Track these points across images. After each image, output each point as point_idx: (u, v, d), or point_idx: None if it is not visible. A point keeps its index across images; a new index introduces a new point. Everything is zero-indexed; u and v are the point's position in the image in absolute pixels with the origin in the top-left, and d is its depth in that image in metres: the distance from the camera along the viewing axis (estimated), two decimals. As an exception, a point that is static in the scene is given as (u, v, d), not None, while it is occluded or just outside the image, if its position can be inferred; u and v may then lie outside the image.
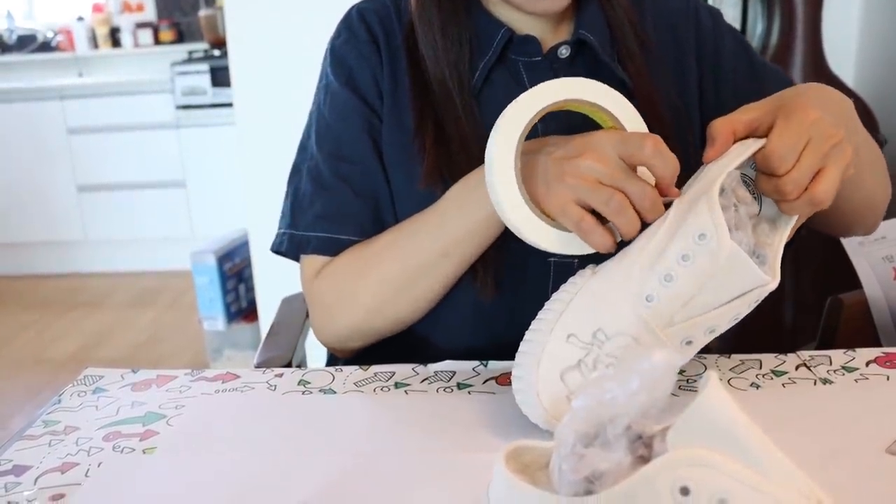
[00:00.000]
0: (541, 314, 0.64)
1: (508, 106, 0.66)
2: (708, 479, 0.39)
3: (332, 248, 0.81)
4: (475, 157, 0.75)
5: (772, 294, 0.61)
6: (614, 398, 0.42)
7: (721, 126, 0.63)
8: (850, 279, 1.03)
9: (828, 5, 2.17)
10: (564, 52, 0.80)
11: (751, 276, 0.58)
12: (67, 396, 0.74)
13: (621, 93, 0.82)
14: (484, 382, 0.71)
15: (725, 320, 0.61)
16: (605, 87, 0.68)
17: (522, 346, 0.63)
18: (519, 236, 0.67)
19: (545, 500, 0.45)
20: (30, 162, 3.78)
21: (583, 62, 0.81)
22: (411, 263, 0.76)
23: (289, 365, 0.98)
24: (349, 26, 0.87)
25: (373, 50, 0.84)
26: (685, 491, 0.40)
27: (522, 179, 0.65)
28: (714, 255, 0.58)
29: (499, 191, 0.65)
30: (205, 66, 3.60)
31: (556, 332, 0.62)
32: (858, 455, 0.58)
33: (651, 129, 0.82)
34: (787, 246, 0.63)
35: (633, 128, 0.68)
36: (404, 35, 0.84)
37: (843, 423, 0.62)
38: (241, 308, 2.68)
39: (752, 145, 0.62)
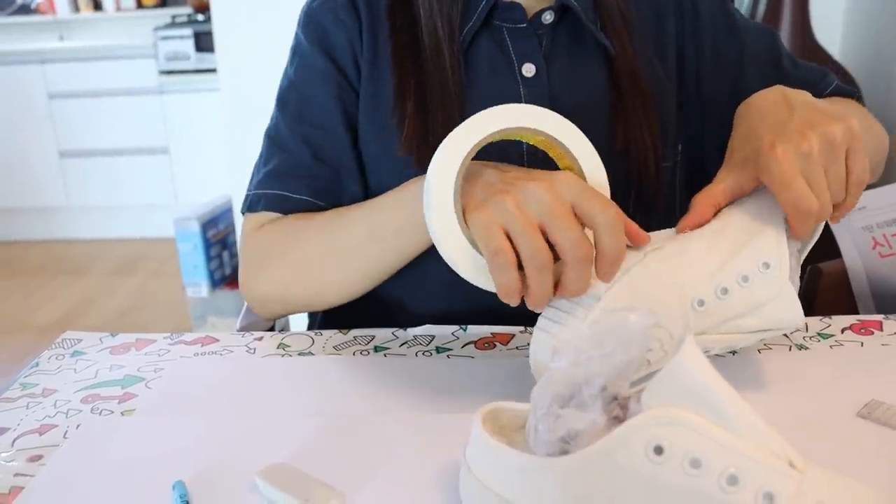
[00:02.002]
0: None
1: (460, 125, 0.59)
2: (681, 437, 0.40)
3: (282, 206, 0.79)
4: (455, 122, 0.75)
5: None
6: (590, 359, 0.42)
7: (702, 200, 0.62)
8: (830, 248, 1.03)
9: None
10: (548, 17, 0.79)
11: (792, 315, 0.59)
12: (45, 360, 0.73)
13: (603, 60, 0.82)
14: (463, 346, 0.71)
15: (745, 345, 0.61)
16: (561, 118, 0.61)
17: (559, 303, 0.59)
18: (437, 247, 0.59)
19: (521, 460, 0.45)
20: (10, 127, 3.73)
21: (566, 29, 0.80)
22: (338, 242, 0.74)
23: (271, 330, 0.97)
24: None
25: (352, 15, 0.82)
26: (659, 450, 0.40)
27: (465, 191, 0.59)
28: (770, 286, 0.58)
29: (432, 199, 0.58)
30: (188, 31, 3.55)
31: (591, 310, 0.58)
32: (830, 418, 0.59)
33: (632, 100, 0.81)
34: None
35: (588, 165, 0.61)
36: (389, 1, 0.82)
37: (816, 388, 0.62)
38: (225, 275, 2.67)
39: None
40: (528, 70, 0.79)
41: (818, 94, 0.88)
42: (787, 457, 0.40)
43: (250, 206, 0.81)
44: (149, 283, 3.30)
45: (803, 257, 0.65)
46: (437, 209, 0.57)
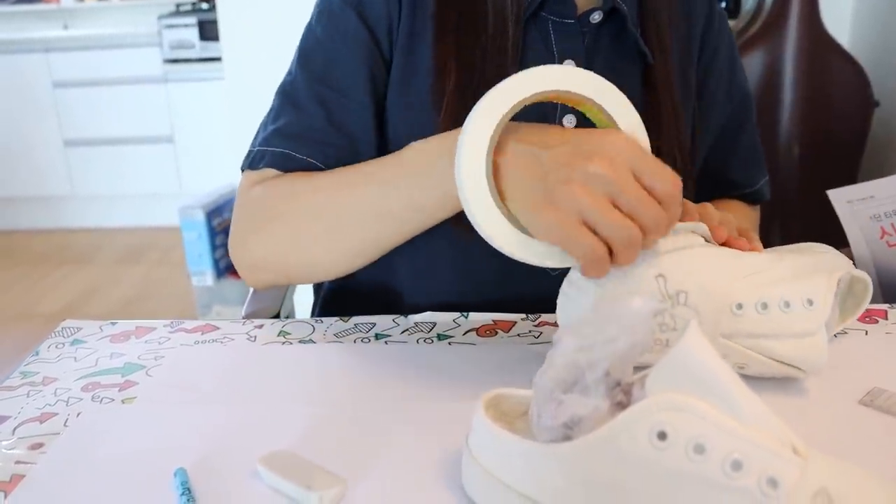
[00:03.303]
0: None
1: (499, 83, 0.57)
2: (685, 423, 0.39)
3: (285, 164, 0.74)
4: None
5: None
6: (593, 344, 0.42)
7: None
8: (838, 237, 1.02)
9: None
10: (596, 17, 0.76)
11: (816, 359, 0.59)
12: (45, 348, 0.73)
13: (641, 67, 0.79)
14: (464, 334, 0.71)
15: (758, 371, 0.61)
16: (610, 84, 0.59)
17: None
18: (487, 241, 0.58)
19: (524, 446, 0.44)
20: (15, 116, 3.73)
21: (609, 30, 0.78)
22: (342, 214, 0.69)
23: (276, 317, 0.97)
24: None
25: None
26: (663, 436, 0.39)
27: (512, 177, 0.57)
28: (809, 322, 0.59)
29: (466, 185, 0.56)
30: (193, 20, 3.54)
31: (650, 266, 0.58)
32: (833, 406, 0.59)
33: (664, 110, 0.79)
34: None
35: (625, 121, 0.60)
36: None
37: (819, 376, 0.62)
38: (230, 264, 2.67)
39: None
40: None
41: (747, 185, 0.93)
42: (791, 443, 0.39)
43: (252, 162, 0.77)
44: (153, 273, 3.30)
45: (840, 324, 0.68)
46: (476, 204, 0.56)
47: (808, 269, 0.62)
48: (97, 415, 0.61)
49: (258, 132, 0.78)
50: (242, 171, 0.78)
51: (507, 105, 0.56)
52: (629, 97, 0.77)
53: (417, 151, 0.67)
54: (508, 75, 0.68)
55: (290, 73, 0.78)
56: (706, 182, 0.89)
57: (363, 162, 0.72)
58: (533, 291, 0.75)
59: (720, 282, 0.59)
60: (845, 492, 0.39)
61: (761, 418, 0.40)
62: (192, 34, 3.54)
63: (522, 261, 0.57)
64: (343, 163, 0.74)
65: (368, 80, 0.75)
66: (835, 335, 0.69)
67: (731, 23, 2.33)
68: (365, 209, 0.68)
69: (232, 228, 0.76)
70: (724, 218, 0.67)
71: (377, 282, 0.83)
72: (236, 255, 0.76)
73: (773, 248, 0.68)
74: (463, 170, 0.56)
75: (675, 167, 0.80)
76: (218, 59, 3.26)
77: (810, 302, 0.59)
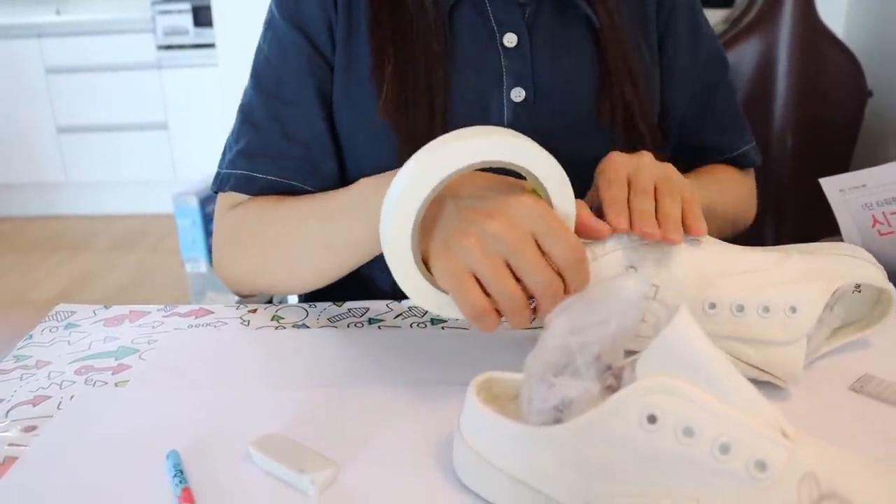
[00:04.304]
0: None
1: (432, 148, 0.55)
2: (674, 406, 0.39)
3: (249, 187, 0.78)
4: (440, 89, 0.74)
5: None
6: (584, 327, 0.42)
7: None
8: (830, 225, 1.03)
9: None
10: None
11: (789, 371, 0.57)
12: (39, 332, 0.73)
13: (589, 33, 0.79)
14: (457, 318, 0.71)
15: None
16: (523, 140, 0.56)
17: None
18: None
19: (515, 429, 0.45)
20: (7, 103, 3.71)
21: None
22: (294, 244, 0.72)
23: (269, 302, 0.97)
24: None
25: None
26: (652, 419, 0.40)
27: (434, 223, 0.56)
28: (786, 331, 0.57)
29: (387, 245, 0.56)
30: (186, 6, 3.52)
31: (623, 258, 0.59)
32: (823, 392, 0.59)
33: (619, 75, 0.79)
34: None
35: (554, 188, 0.56)
36: None
37: (810, 362, 0.62)
38: (224, 251, 2.66)
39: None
40: (510, 40, 0.77)
41: (727, 149, 0.92)
42: (780, 426, 0.40)
43: (220, 185, 0.80)
44: (147, 259, 3.29)
45: (856, 334, 0.64)
46: (394, 255, 0.56)
47: (810, 274, 0.59)
48: (90, 398, 0.61)
49: (224, 152, 0.82)
50: (213, 192, 0.82)
51: (429, 185, 0.54)
52: (581, 65, 0.78)
53: (363, 186, 0.69)
54: (436, 58, 0.72)
55: (245, 93, 0.82)
56: (685, 150, 0.89)
57: (321, 193, 0.75)
58: None
59: (693, 277, 0.58)
60: (833, 475, 0.39)
61: (750, 401, 0.40)
62: (186, 20, 3.52)
63: (437, 314, 0.59)
64: (302, 172, 0.78)
65: (315, 88, 0.78)
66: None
67: (726, 12, 2.33)
68: (312, 241, 0.71)
69: (213, 247, 0.81)
70: (675, 186, 0.62)
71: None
72: (218, 272, 0.81)
73: (789, 245, 0.65)
74: (386, 232, 0.56)
75: (639, 138, 0.82)
76: (212, 46, 3.25)
77: (793, 310, 0.57)
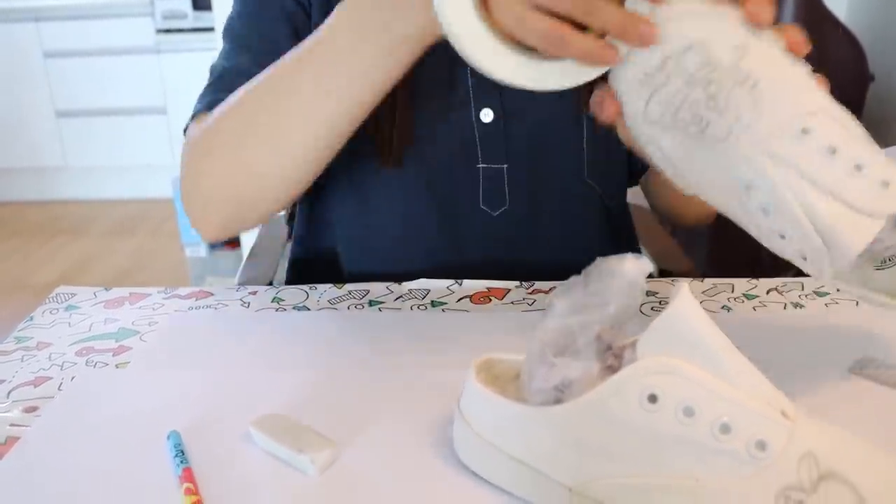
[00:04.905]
0: None
1: None
2: (675, 386, 0.39)
3: (213, 106, 0.70)
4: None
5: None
6: (584, 307, 0.42)
7: None
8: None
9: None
10: None
11: (847, 243, 0.46)
12: (40, 314, 0.73)
13: None
14: (458, 301, 0.71)
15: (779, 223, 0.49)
16: None
17: None
18: (478, 70, 0.51)
19: (515, 409, 0.45)
20: (5, 86, 3.69)
21: None
22: (281, 98, 0.63)
23: (269, 285, 0.97)
24: None
25: None
26: (653, 398, 0.40)
27: None
28: (869, 201, 0.46)
29: (449, 11, 0.50)
30: (185, -11, 3.50)
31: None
32: (823, 374, 0.59)
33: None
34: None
35: None
36: None
37: (810, 344, 0.62)
38: (224, 235, 2.67)
39: None
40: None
41: None
42: (780, 406, 0.40)
43: (186, 127, 0.74)
44: (147, 244, 3.29)
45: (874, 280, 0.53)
46: (464, 34, 0.50)
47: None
48: (91, 379, 0.61)
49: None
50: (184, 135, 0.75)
51: None
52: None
53: (344, 18, 0.60)
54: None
55: (219, 54, 0.79)
56: None
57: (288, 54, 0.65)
58: (482, 258, 0.78)
59: (796, 86, 0.48)
60: (832, 454, 0.40)
61: (750, 381, 0.40)
62: (185, 4, 3.50)
63: (528, 84, 0.51)
64: None
65: (291, 31, 0.75)
66: (825, 305, 0.69)
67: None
68: (306, 88, 0.62)
69: (181, 178, 0.71)
70: None
71: (329, 251, 0.84)
72: (188, 201, 0.70)
73: None
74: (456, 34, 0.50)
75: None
76: (211, 30, 3.23)
77: (885, 184, 0.45)
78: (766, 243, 0.50)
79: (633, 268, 0.41)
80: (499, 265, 0.79)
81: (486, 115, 0.77)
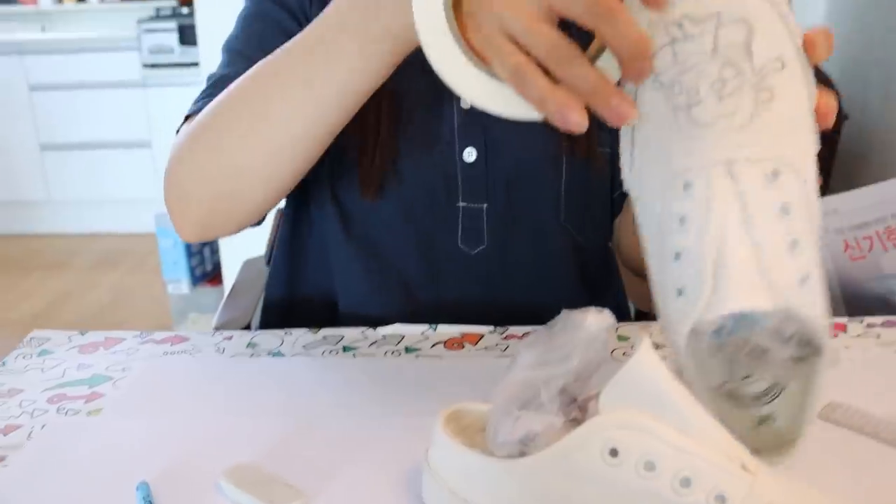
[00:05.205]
0: None
1: None
2: (636, 440, 0.40)
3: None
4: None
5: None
6: (548, 361, 0.42)
7: None
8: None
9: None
10: None
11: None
12: (12, 359, 0.73)
13: None
14: (432, 346, 0.71)
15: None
16: None
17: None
18: (444, 82, 0.50)
19: (481, 461, 0.45)
20: (-10, 119, 3.70)
21: None
22: (265, 91, 0.62)
23: (248, 327, 0.98)
24: None
25: None
26: (614, 452, 0.40)
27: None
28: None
29: (419, 15, 0.49)
30: (172, 24, 3.53)
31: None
32: (793, 420, 0.59)
33: None
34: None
35: None
36: None
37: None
38: (206, 271, 2.66)
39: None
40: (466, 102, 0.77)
41: None
42: (740, 459, 0.40)
43: (178, 130, 0.73)
44: (129, 279, 3.28)
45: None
46: (434, 45, 0.48)
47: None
48: (61, 427, 0.61)
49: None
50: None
51: None
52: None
53: (333, 12, 0.59)
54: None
55: (216, 68, 0.80)
56: None
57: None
58: (458, 295, 0.78)
59: (794, 131, 0.45)
60: (793, 507, 0.40)
61: (711, 434, 0.41)
62: (172, 39, 3.53)
63: (493, 110, 0.49)
64: None
65: None
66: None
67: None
68: (289, 82, 0.61)
69: (164, 175, 0.70)
70: None
71: (308, 293, 0.85)
72: (168, 197, 0.69)
73: None
74: (420, 14, 0.49)
75: (600, 163, 0.78)
76: (197, 65, 3.25)
77: (804, 279, 0.43)
78: (652, 258, 0.47)
79: (594, 322, 0.41)
80: (475, 303, 0.79)
81: (470, 155, 0.77)
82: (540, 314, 0.44)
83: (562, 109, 0.44)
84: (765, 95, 0.44)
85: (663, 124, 0.45)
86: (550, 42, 0.44)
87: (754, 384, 0.49)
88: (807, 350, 0.45)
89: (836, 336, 0.72)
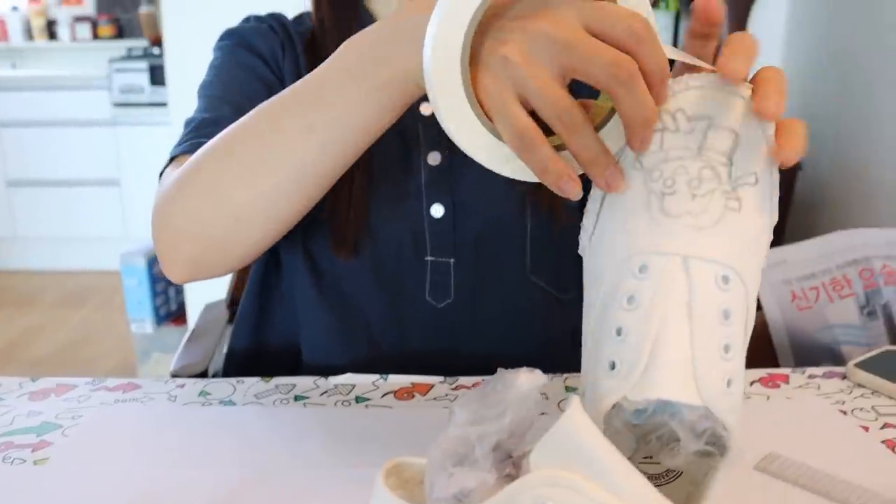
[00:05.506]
0: None
1: None
2: (565, 498, 0.41)
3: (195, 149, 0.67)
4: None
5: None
6: (483, 418, 0.44)
7: None
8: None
9: (753, 26, 2.24)
10: None
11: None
12: (-37, 405, 0.72)
13: None
14: (382, 396, 0.72)
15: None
16: None
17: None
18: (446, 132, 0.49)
19: (418, 516, 0.46)
20: (-43, 155, 3.67)
21: None
22: (263, 136, 0.61)
23: (204, 373, 0.97)
24: (244, 21, 0.88)
25: (272, 33, 0.84)
26: (544, 510, 0.41)
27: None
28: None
29: (431, 66, 0.47)
30: (143, 64, 3.54)
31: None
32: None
33: None
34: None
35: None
36: (304, 43, 0.84)
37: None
38: (171, 311, 2.65)
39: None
40: (434, 159, 0.80)
41: None
42: (666, 516, 0.41)
43: (161, 172, 0.73)
44: (95, 317, 3.24)
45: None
46: (443, 96, 0.47)
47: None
48: (7, 477, 0.61)
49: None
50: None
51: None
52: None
53: (346, 47, 0.58)
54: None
55: (194, 112, 0.81)
56: None
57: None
58: (424, 347, 0.79)
59: (747, 244, 0.47)
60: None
61: (641, 493, 0.42)
62: (143, 78, 3.54)
63: (500, 171, 0.49)
64: None
65: (267, 94, 0.76)
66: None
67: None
68: (287, 129, 0.59)
69: (152, 216, 0.68)
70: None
71: (274, 342, 0.85)
72: (158, 238, 0.67)
73: None
74: (430, 69, 0.48)
75: (566, 216, 0.79)
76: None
77: (729, 382, 0.46)
78: (590, 321, 0.49)
79: (526, 381, 0.42)
80: (442, 354, 0.80)
81: (437, 211, 0.79)
82: (509, 365, 0.45)
83: (560, 179, 0.45)
84: (733, 204, 0.46)
85: (635, 202, 0.47)
86: (562, 106, 0.44)
87: (651, 466, 0.52)
88: (713, 448, 0.47)
89: (777, 388, 0.74)
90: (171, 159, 0.75)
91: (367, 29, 0.56)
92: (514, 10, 0.48)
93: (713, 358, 0.44)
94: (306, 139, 0.58)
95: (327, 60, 0.58)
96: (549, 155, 0.45)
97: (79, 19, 4.04)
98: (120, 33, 4.08)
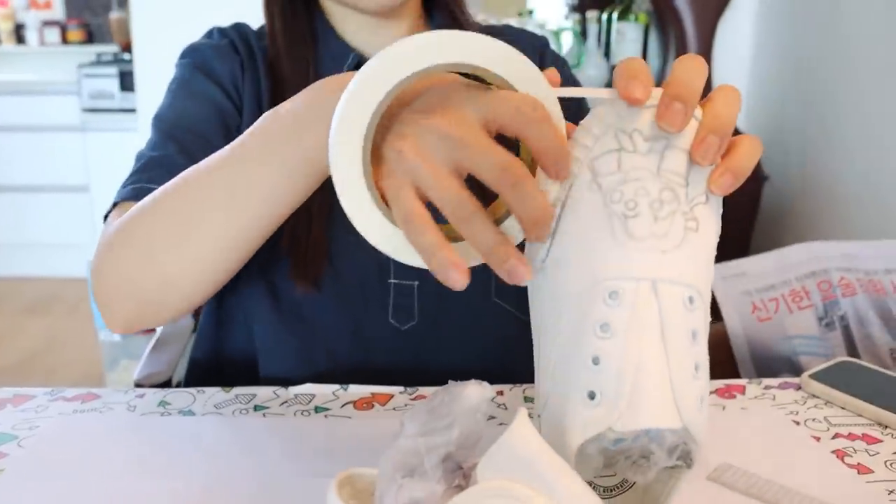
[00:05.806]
0: None
1: (362, 68, 0.47)
2: (511, 509, 0.42)
3: (138, 196, 0.69)
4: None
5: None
6: (433, 430, 0.44)
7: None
8: (714, 312, 1.08)
9: (718, 46, 2.28)
10: None
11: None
12: (-83, 416, 0.72)
13: None
14: (342, 406, 0.73)
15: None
16: (495, 43, 0.47)
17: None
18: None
19: (370, 527, 0.46)
20: (-77, 160, 3.61)
21: None
22: (192, 200, 0.61)
23: (168, 381, 0.97)
24: (207, 35, 0.88)
25: (233, 52, 0.84)
26: (490, 520, 0.42)
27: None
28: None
29: (337, 160, 0.48)
30: (113, 70, 3.52)
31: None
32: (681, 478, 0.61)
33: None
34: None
35: (530, 90, 0.47)
36: (264, 54, 0.85)
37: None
38: (140, 318, 2.62)
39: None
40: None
41: None
42: (610, 527, 0.42)
43: (106, 214, 0.75)
44: (62, 324, 3.20)
45: None
46: (344, 183, 0.48)
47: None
48: (-40, 489, 0.60)
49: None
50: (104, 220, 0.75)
51: (375, 100, 0.47)
52: None
53: (270, 120, 0.58)
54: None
55: (144, 145, 0.81)
56: None
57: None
58: (388, 367, 0.79)
59: (705, 261, 0.48)
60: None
61: (584, 502, 0.43)
62: (112, 84, 3.51)
63: (397, 258, 0.50)
64: None
65: (220, 123, 0.79)
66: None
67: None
68: (212, 192, 0.60)
69: (91, 270, 0.69)
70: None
71: (233, 355, 0.86)
72: (96, 292, 0.69)
73: None
74: (334, 155, 0.48)
75: None
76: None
77: (702, 399, 0.46)
78: (555, 349, 0.48)
79: (473, 393, 0.43)
80: (406, 375, 0.80)
81: None
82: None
83: (443, 267, 0.44)
84: (692, 224, 0.46)
85: (596, 226, 0.46)
86: (455, 197, 0.44)
87: (606, 479, 0.53)
88: (681, 462, 0.48)
89: (733, 398, 0.75)
90: (115, 205, 0.75)
91: (291, 99, 0.57)
92: (418, 102, 0.48)
93: (688, 378, 0.45)
94: (228, 207, 0.59)
95: (253, 127, 0.59)
96: (435, 241, 0.44)
97: (48, 23, 4.00)
98: (90, 38, 4.05)
